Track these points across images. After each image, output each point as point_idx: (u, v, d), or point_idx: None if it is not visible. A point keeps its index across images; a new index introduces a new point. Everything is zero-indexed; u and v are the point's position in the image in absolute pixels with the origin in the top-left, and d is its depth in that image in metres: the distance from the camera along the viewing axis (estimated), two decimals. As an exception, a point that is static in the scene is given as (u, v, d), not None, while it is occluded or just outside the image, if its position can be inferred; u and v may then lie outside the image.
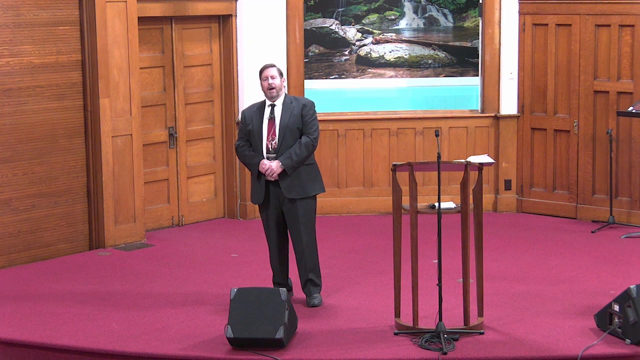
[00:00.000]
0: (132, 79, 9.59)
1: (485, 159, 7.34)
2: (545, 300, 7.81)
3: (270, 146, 7.65)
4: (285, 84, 7.86)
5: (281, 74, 7.72)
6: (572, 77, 10.47)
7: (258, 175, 7.66)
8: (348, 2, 10.82)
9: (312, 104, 7.76)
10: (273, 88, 7.65)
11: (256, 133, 7.68)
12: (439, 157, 6.96)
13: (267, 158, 7.62)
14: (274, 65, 7.73)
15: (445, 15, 10.91)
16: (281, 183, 7.63)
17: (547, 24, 10.56)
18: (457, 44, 10.94)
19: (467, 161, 7.07)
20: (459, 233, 7.21)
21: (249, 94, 10.60)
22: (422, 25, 10.92)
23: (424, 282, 7.90)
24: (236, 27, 10.58)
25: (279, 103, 7.70)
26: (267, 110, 7.70)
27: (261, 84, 7.71)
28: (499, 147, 10.87)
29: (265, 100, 7.74)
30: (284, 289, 6.92)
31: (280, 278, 7.86)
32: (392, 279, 7.48)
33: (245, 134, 7.76)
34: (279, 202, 7.68)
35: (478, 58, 10.88)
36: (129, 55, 9.54)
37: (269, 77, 7.65)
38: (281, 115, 7.66)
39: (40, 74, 9.13)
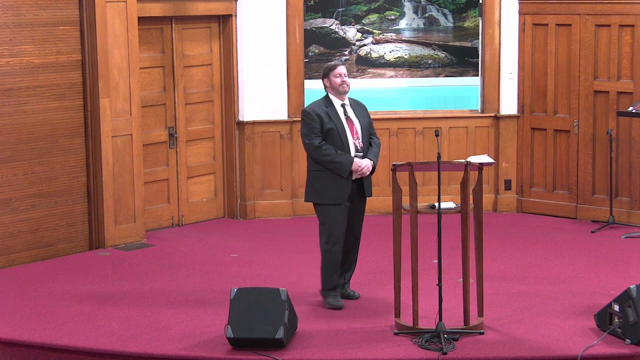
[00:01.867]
0: (132, 79, 9.59)
1: (485, 159, 7.34)
2: (545, 300, 7.81)
3: (358, 145, 7.69)
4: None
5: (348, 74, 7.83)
6: (572, 77, 10.47)
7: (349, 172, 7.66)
8: (348, 2, 10.82)
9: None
10: (346, 84, 7.70)
11: (340, 132, 7.66)
12: (439, 157, 6.96)
13: (356, 157, 7.66)
14: (344, 64, 7.78)
15: (445, 15, 10.91)
16: (365, 181, 7.73)
17: (547, 24, 10.56)
18: (457, 44, 10.94)
19: (467, 161, 7.08)
20: (459, 233, 7.21)
21: (249, 94, 10.60)
22: (422, 25, 10.92)
23: (424, 282, 7.90)
24: (236, 27, 10.58)
25: (347, 102, 7.77)
26: (341, 110, 7.73)
27: (331, 80, 7.70)
28: (499, 147, 10.87)
29: (326, 99, 7.74)
30: (284, 289, 6.92)
31: (340, 276, 7.87)
32: (392, 278, 7.48)
33: (323, 133, 7.69)
34: (349, 199, 7.73)
35: (478, 58, 10.88)
36: (129, 55, 9.54)
37: (342, 75, 7.69)
38: (355, 115, 7.76)
39: (40, 74, 9.13)
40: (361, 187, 7.77)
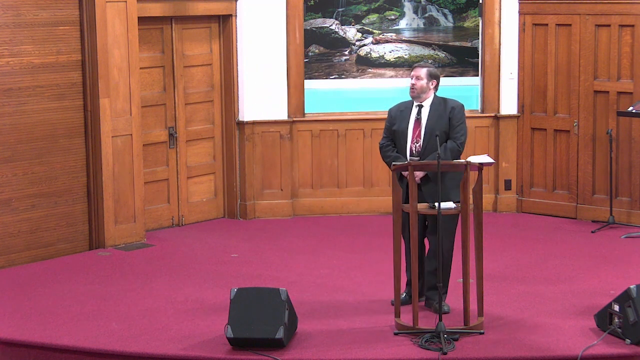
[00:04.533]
0: (132, 79, 9.59)
1: (485, 159, 7.34)
2: (545, 300, 7.81)
3: (414, 148, 7.53)
4: (434, 86, 7.60)
5: (431, 77, 7.55)
6: (572, 77, 10.47)
7: (400, 177, 7.40)
8: (348, 2, 10.82)
9: (462, 107, 7.60)
10: (412, 88, 7.55)
11: (401, 133, 7.55)
12: (438, 157, 6.96)
13: (411, 160, 7.42)
14: (424, 67, 7.59)
15: (445, 15, 10.91)
16: (423, 187, 7.43)
17: (547, 24, 10.56)
18: (457, 44, 10.94)
19: (467, 161, 7.07)
20: (459, 233, 7.20)
21: (249, 94, 10.60)
22: (422, 25, 10.92)
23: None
24: (236, 27, 10.58)
25: (426, 104, 7.57)
26: (415, 111, 7.59)
27: None
28: (499, 147, 10.86)
29: (412, 100, 7.63)
30: (284, 289, 6.92)
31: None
32: (392, 279, 7.48)
33: (390, 133, 7.64)
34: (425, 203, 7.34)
35: (478, 58, 10.88)
36: (129, 55, 9.54)
37: (414, 77, 7.56)
38: (428, 117, 7.53)
39: (40, 74, 9.13)
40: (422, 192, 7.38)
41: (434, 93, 7.61)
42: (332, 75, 10.85)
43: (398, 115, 7.62)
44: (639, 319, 6.72)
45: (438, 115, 7.53)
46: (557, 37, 10.52)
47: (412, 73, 7.59)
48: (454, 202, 7.28)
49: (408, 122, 7.56)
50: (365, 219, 10.71)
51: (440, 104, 7.56)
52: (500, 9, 10.71)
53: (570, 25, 10.41)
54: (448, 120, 7.52)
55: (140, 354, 6.84)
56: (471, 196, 7.14)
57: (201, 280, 8.53)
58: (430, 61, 10.91)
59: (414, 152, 7.53)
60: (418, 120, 7.56)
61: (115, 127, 9.51)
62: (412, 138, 7.55)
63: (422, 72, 7.55)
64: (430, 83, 7.56)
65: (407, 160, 7.45)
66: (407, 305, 7.48)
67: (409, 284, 7.73)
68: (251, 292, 6.93)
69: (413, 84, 7.56)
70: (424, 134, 7.51)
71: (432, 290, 7.55)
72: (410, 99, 7.62)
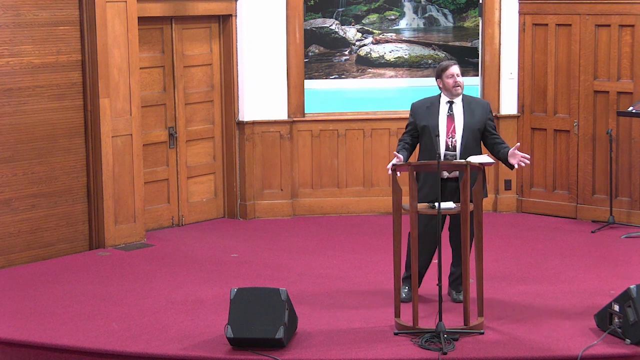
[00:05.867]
0: (132, 79, 9.59)
1: (485, 159, 7.34)
2: (545, 300, 7.81)
3: (450, 143, 7.57)
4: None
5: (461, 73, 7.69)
6: (572, 77, 10.47)
7: (416, 176, 7.36)
8: (348, 2, 10.82)
9: (490, 106, 7.79)
10: (459, 85, 7.61)
11: (432, 129, 7.56)
12: (438, 157, 6.96)
13: (445, 156, 7.50)
14: (457, 63, 7.68)
15: (445, 15, 10.91)
16: (450, 185, 7.52)
17: (547, 24, 10.56)
18: (457, 44, 10.94)
19: (467, 161, 7.07)
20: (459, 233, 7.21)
21: (249, 94, 10.60)
22: (422, 25, 10.92)
23: (424, 282, 7.90)
24: (236, 27, 10.58)
25: (458, 101, 7.65)
26: (445, 107, 7.64)
27: (444, 81, 7.63)
28: (499, 147, 10.86)
29: (439, 96, 7.67)
30: (284, 289, 6.92)
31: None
32: (392, 278, 7.48)
33: (414, 128, 7.67)
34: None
35: (478, 58, 10.88)
36: (129, 55, 9.54)
37: (455, 75, 7.60)
38: (463, 114, 7.61)
39: (40, 74, 9.13)
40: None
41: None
42: (332, 75, 10.85)
43: (424, 112, 7.66)
44: (639, 319, 6.72)
45: (472, 113, 7.62)
46: (557, 37, 10.52)
47: (450, 71, 7.62)
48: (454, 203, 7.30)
49: (438, 118, 7.61)
50: (365, 219, 10.71)
51: (470, 101, 7.69)
52: (500, 9, 10.71)
53: (570, 25, 10.41)
54: (483, 118, 7.65)
55: (140, 354, 6.84)
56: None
57: (201, 280, 8.53)
58: (430, 61, 10.92)
59: (449, 146, 7.58)
60: (450, 115, 7.61)
61: (115, 127, 9.51)
62: (447, 133, 7.59)
63: (458, 68, 7.67)
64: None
65: (440, 154, 7.32)
66: (407, 302, 7.53)
67: (407, 278, 7.81)
68: (251, 292, 6.93)
69: (458, 82, 7.62)
70: (463, 131, 7.58)
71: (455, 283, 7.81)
72: (437, 94, 7.70)
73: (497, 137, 7.70)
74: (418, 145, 7.75)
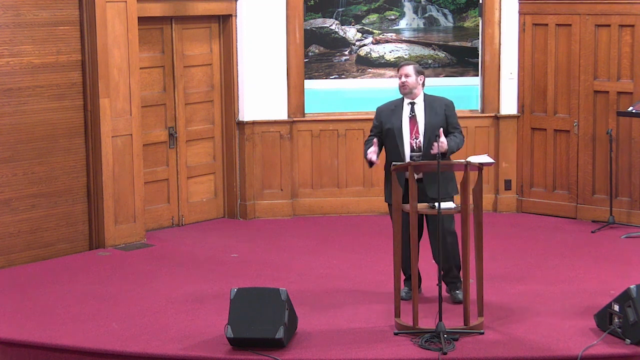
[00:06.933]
0: (132, 79, 9.59)
1: (485, 159, 7.34)
2: (545, 300, 7.81)
3: (414, 144, 7.61)
4: (422, 82, 7.74)
5: (418, 73, 7.68)
6: (572, 77, 10.47)
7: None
8: (348, 2, 10.82)
9: (453, 103, 7.78)
10: (404, 86, 7.64)
11: (396, 131, 7.62)
12: (438, 157, 6.96)
13: (411, 157, 7.57)
14: (410, 64, 7.71)
15: (445, 15, 10.91)
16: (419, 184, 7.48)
17: (547, 24, 10.56)
18: (457, 44, 10.94)
19: (467, 161, 7.08)
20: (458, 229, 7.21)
21: (249, 94, 10.60)
22: (422, 25, 10.92)
23: (424, 282, 7.91)
24: (236, 27, 10.58)
25: (419, 101, 7.68)
26: (407, 109, 7.68)
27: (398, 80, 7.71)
28: (499, 147, 10.86)
29: (403, 98, 7.72)
30: (284, 289, 6.92)
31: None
32: (392, 278, 7.48)
33: (379, 132, 7.73)
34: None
35: (478, 58, 10.88)
36: (129, 55, 9.54)
37: (403, 75, 7.65)
38: (425, 114, 7.64)
39: (40, 74, 9.13)
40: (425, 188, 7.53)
41: (423, 90, 7.74)
42: (332, 75, 10.85)
43: (389, 114, 7.71)
44: (639, 319, 6.72)
45: (435, 112, 7.65)
46: (557, 37, 10.52)
47: (400, 72, 7.70)
48: (453, 202, 7.30)
49: (401, 120, 7.64)
50: (365, 219, 10.71)
51: (432, 100, 7.71)
52: (500, 9, 10.71)
53: (570, 25, 10.41)
54: (444, 116, 7.66)
55: (140, 354, 6.84)
56: (471, 196, 7.15)
57: (201, 280, 8.53)
58: (430, 61, 10.91)
59: (414, 148, 7.60)
60: (413, 117, 7.64)
61: (115, 127, 9.51)
62: (411, 135, 7.61)
63: (410, 69, 7.68)
64: (419, 79, 7.69)
65: (405, 156, 7.55)
66: (407, 301, 7.53)
67: (407, 279, 7.80)
68: (251, 292, 6.93)
69: (404, 82, 7.67)
70: (425, 130, 7.59)
71: (447, 279, 7.76)
72: (398, 97, 7.73)
73: (454, 133, 7.68)
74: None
